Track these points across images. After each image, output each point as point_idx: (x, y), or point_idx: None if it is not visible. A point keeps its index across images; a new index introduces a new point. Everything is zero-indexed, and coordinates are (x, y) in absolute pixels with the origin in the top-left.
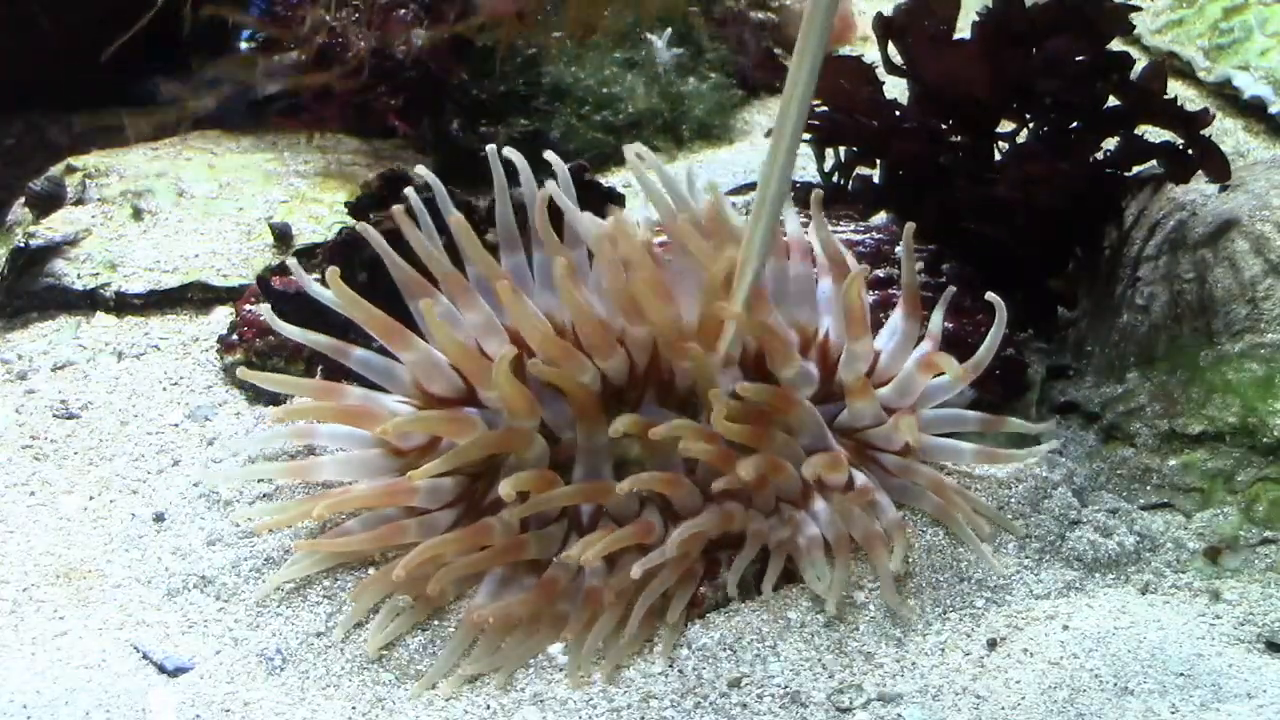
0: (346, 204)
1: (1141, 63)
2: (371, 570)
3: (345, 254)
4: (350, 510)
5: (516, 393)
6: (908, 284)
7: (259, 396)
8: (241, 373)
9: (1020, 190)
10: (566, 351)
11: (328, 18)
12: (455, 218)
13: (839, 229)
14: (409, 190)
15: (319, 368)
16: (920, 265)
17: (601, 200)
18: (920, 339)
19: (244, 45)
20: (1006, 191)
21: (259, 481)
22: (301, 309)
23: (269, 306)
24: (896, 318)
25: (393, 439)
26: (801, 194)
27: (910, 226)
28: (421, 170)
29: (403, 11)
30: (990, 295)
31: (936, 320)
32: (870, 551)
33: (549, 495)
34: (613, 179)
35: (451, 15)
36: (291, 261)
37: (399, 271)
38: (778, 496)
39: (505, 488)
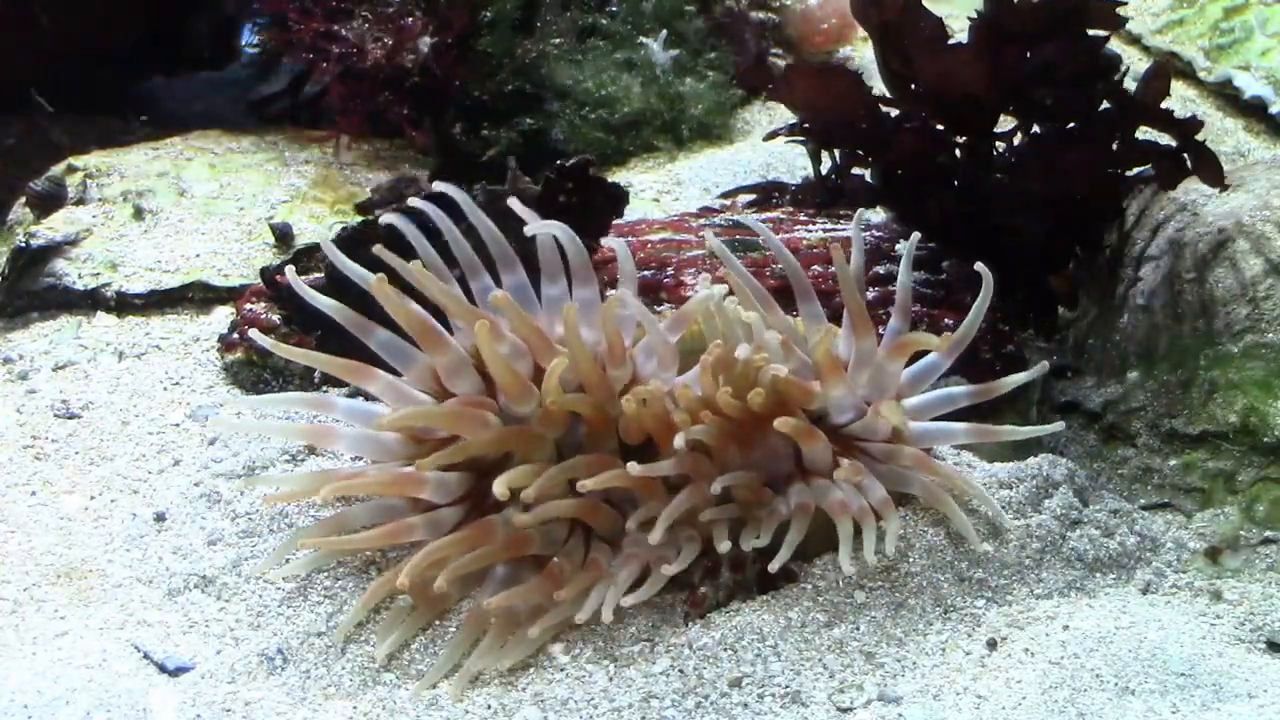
0: (357, 205)
1: (1142, 63)
2: (373, 569)
3: (348, 253)
4: (359, 494)
5: (563, 403)
6: (853, 306)
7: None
8: (273, 345)
9: (1020, 190)
10: (602, 380)
11: (341, 30)
12: (501, 295)
13: (838, 227)
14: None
15: (317, 370)
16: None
17: (607, 197)
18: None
19: (247, 48)
20: (1006, 191)
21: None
22: (303, 305)
23: (292, 270)
24: (848, 338)
25: (390, 426)
26: (800, 193)
27: (839, 250)
28: (455, 193)
29: (410, 20)
30: (979, 266)
31: (904, 278)
32: (834, 517)
33: (556, 469)
34: (613, 179)
35: (456, 21)
36: (289, 270)
37: (443, 297)
38: (765, 484)
39: (499, 485)
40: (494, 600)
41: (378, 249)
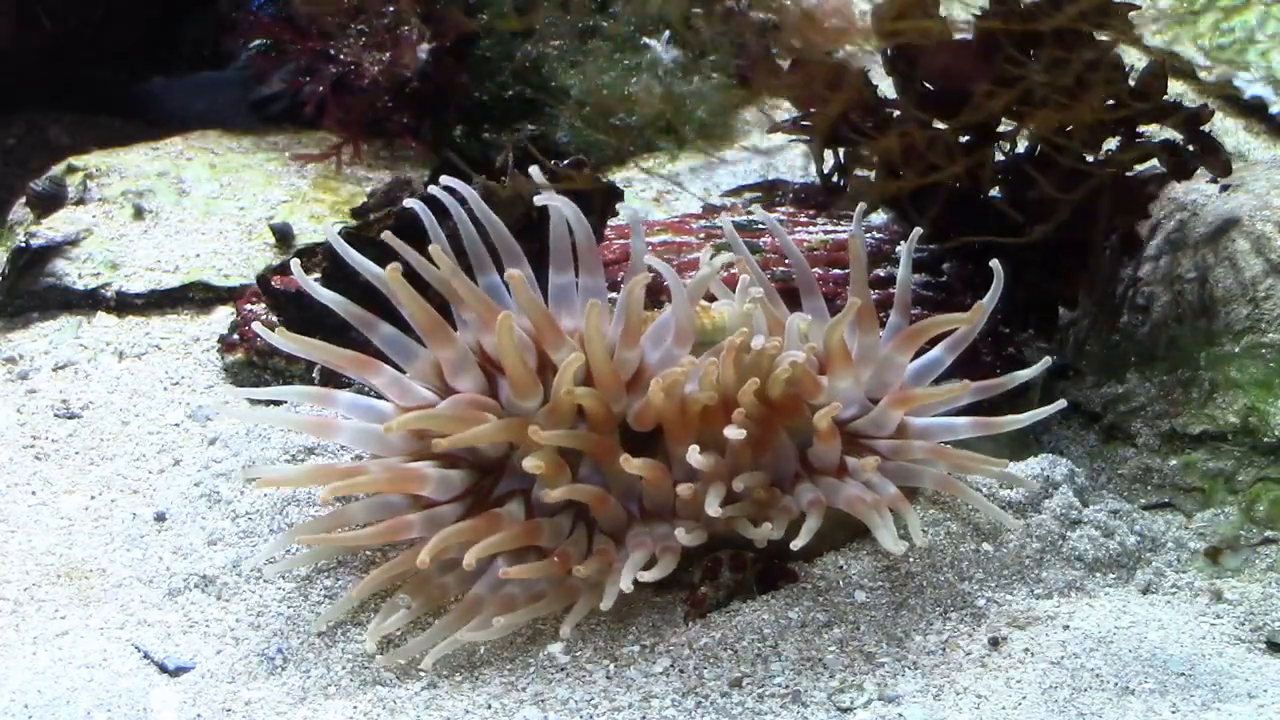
0: (352, 210)
1: (1142, 63)
2: (374, 569)
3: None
4: (361, 492)
5: (576, 395)
6: (860, 297)
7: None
8: (280, 333)
9: (1019, 192)
10: (616, 380)
11: (337, 49)
12: (517, 274)
13: (839, 228)
14: (455, 197)
15: (316, 369)
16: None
17: (602, 196)
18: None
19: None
20: (1006, 193)
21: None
22: (302, 308)
23: (297, 263)
24: (851, 333)
25: (399, 428)
26: (802, 192)
27: (856, 241)
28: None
29: (406, 29)
30: (993, 263)
31: (904, 274)
32: (854, 511)
33: (562, 433)
34: (613, 179)
35: (453, 27)
36: (294, 263)
37: (468, 293)
38: (772, 482)
39: (530, 461)
40: (511, 570)
41: (386, 235)
